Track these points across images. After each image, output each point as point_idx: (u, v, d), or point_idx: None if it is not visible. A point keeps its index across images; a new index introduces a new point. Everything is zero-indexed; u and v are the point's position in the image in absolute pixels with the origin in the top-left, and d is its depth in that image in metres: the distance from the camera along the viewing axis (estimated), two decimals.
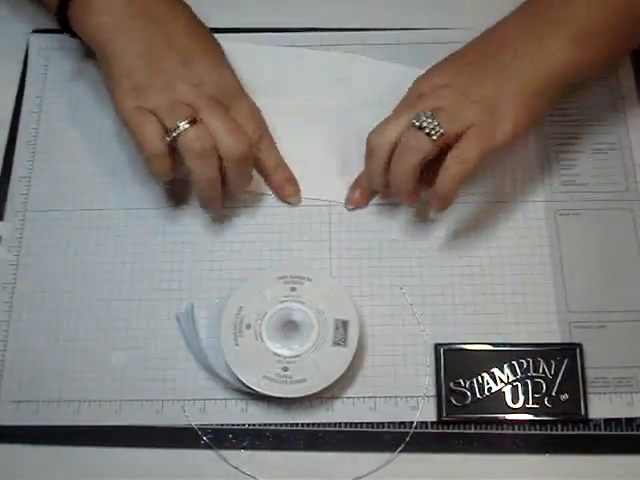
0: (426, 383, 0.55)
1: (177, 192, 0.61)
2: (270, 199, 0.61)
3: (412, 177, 0.54)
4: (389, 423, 0.54)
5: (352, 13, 0.68)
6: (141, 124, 0.54)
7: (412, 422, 0.54)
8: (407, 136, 0.53)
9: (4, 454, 0.54)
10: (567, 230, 0.60)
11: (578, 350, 0.55)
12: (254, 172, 0.59)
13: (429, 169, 0.55)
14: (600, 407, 0.54)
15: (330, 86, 0.64)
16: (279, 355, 0.54)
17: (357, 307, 0.56)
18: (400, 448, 0.54)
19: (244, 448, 0.54)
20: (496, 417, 0.54)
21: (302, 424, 0.55)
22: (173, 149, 0.54)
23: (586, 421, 0.54)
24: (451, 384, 0.55)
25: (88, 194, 0.62)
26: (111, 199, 0.61)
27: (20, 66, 0.67)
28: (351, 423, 0.54)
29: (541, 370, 0.55)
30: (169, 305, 0.58)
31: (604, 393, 0.55)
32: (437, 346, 0.56)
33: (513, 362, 0.55)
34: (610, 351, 0.56)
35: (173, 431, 0.55)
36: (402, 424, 0.54)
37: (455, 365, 0.55)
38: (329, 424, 0.54)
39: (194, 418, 0.55)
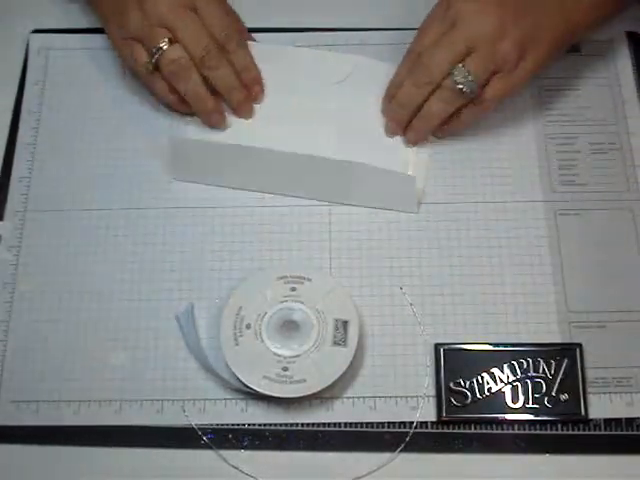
0: (426, 383, 0.55)
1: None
2: (270, 199, 0.61)
3: (441, 119, 0.60)
4: (389, 423, 0.54)
5: (352, 13, 0.68)
6: (129, 53, 0.60)
7: (412, 422, 0.54)
8: (442, 93, 0.58)
9: (4, 454, 0.54)
10: (567, 230, 0.60)
11: (578, 350, 0.55)
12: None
13: None
14: (600, 407, 0.54)
15: (330, 86, 0.64)
16: (279, 355, 0.54)
17: (357, 307, 0.56)
18: (400, 448, 0.54)
19: (244, 448, 0.54)
20: (496, 417, 0.54)
21: (302, 424, 0.54)
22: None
23: (586, 421, 0.54)
24: (451, 384, 0.55)
25: (88, 194, 0.62)
26: (111, 199, 0.61)
27: (20, 66, 0.67)
28: (351, 423, 0.54)
29: (541, 370, 0.55)
30: (169, 305, 0.58)
31: (604, 393, 0.55)
32: (437, 346, 0.56)
33: (513, 362, 0.55)
34: (610, 351, 0.56)
35: (173, 431, 0.55)
36: (402, 424, 0.54)
37: (455, 365, 0.55)
38: (329, 424, 0.54)
39: (194, 418, 0.55)
